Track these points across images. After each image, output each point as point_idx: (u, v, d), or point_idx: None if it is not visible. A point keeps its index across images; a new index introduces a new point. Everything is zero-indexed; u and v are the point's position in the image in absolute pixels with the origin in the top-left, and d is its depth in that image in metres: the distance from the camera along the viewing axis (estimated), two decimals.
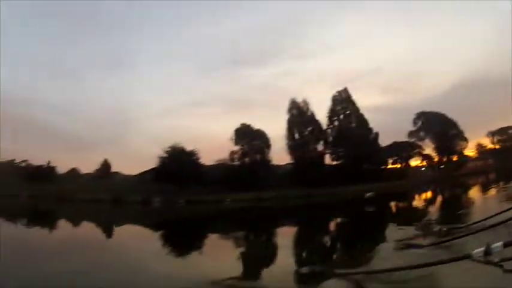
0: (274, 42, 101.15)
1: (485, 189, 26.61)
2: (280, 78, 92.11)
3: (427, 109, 58.03)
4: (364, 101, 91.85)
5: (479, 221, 6.56)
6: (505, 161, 52.76)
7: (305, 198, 35.15)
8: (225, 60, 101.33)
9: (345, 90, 53.86)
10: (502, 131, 63.86)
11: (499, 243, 3.09)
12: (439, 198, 27.56)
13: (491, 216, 6.45)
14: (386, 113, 72.67)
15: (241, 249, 11.30)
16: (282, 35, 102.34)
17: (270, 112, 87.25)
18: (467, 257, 3.34)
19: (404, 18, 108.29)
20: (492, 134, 63.94)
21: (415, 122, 58.29)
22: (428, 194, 31.76)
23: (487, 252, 3.10)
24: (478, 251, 3.19)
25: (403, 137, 57.02)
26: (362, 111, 53.40)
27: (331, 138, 51.61)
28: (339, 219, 18.77)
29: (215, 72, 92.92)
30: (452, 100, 76.30)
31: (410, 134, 58.00)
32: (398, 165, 56.88)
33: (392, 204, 25.30)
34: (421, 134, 58.29)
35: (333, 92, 54.16)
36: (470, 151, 62.98)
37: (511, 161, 49.75)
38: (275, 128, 66.16)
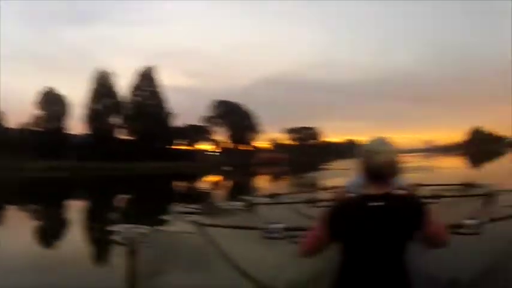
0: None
1: (276, 178, 28.53)
2: (95, 42, 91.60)
3: (230, 98, 62.80)
4: (172, 80, 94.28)
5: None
6: (298, 156, 60.17)
7: (100, 170, 35.34)
8: (42, 16, 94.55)
9: (152, 67, 53.26)
10: (297, 129, 72.49)
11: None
12: (229, 183, 28.04)
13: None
14: (190, 95, 74.32)
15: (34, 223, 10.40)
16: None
17: (77, 76, 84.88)
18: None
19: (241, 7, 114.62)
20: (288, 131, 72.20)
21: (214, 109, 61.64)
22: (220, 178, 32.30)
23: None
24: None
25: (201, 121, 59.86)
26: (167, 90, 54.30)
27: (129, 113, 50.78)
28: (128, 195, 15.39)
29: (29, 27, 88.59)
30: (254, 93, 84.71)
31: (208, 119, 61.27)
32: (192, 147, 59.24)
33: (183, 184, 25.59)
34: (218, 120, 61.95)
35: (140, 66, 53.40)
36: (265, 143, 69.04)
37: (303, 156, 58.96)
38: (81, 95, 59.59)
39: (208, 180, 30.03)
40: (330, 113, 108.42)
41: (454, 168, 25.44)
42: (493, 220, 3.00)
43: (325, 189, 7.05)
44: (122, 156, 41.70)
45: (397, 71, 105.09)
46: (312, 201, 5.11)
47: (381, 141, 1.57)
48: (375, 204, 1.45)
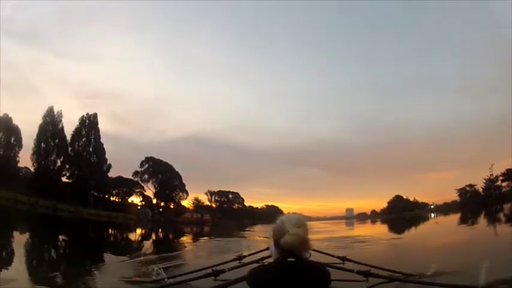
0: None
1: (197, 237, 28.46)
2: (32, 66, 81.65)
3: (155, 151, 65.35)
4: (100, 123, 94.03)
5: None
6: (221, 218, 63.83)
7: (39, 207, 36.50)
8: None
9: (95, 115, 55.66)
10: (220, 193, 76.41)
11: None
12: (154, 237, 29.29)
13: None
14: (117, 141, 74.81)
15: None
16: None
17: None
18: None
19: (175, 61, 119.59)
20: (211, 193, 75.73)
21: (142, 164, 63.09)
22: (146, 231, 33.46)
23: None
24: None
25: (128, 173, 60.47)
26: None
27: (71, 157, 51.68)
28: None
29: None
30: (178, 150, 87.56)
31: (136, 173, 62.25)
32: (123, 199, 60.33)
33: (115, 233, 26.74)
34: (146, 176, 63.52)
35: (81, 109, 59.43)
36: (188, 203, 70.85)
37: (226, 219, 61.94)
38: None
39: (137, 233, 30.29)
40: (251, 177, 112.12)
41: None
42: None
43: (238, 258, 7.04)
44: (60, 197, 42.64)
45: (317, 140, 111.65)
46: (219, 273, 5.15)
47: (293, 220, 1.77)
48: (288, 268, 1.69)
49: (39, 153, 48.94)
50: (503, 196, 64.29)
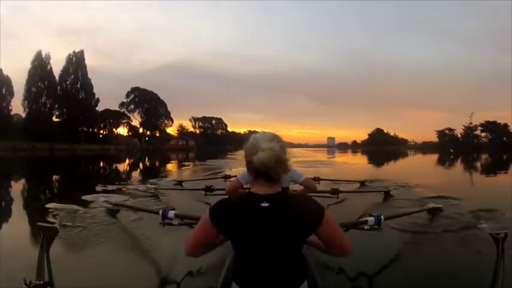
0: None
1: (182, 163, 29.52)
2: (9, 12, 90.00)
3: (138, 81, 66.04)
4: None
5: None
6: (204, 144, 67.33)
7: (34, 151, 37.60)
8: None
9: (81, 52, 56.00)
10: (204, 119, 77.51)
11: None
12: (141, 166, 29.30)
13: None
14: (101, 75, 75.16)
15: None
16: None
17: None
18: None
19: None
20: (195, 119, 76.92)
21: (127, 95, 65.82)
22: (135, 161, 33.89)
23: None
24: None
25: (114, 105, 63.33)
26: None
27: (60, 96, 53.26)
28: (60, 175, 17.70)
29: None
30: (161, 78, 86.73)
31: (122, 104, 65.36)
32: (108, 131, 62.30)
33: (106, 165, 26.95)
34: (132, 106, 66.01)
35: (67, 47, 61.01)
36: (172, 130, 72.04)
37: (209, 144, 62.95)
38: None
39: (126, 163, 30.55)
40: (233, 103, 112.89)
41: (355, 164, 24.78)
42: (389, 218, 3.50)
43: (225, 177, 8.02)
44: (54, 138, 44.91)
45: (303, 69, 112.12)
46: (210, 190, 5.84)
47: (267, 137, 1.48)
48: (262, 205, 1.39)
49: (30, 98, 50.72)
50: (481, 146, 67.15)
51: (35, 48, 76.01)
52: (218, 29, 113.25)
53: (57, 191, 11.05)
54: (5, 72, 49.49)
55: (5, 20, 79.86)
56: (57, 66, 54.68)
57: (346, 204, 5.62)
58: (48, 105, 52.19)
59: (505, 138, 67.22)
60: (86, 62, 56.25)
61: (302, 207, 1.45)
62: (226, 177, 8.02)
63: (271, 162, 1.38)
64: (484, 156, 39.44)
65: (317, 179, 6.73)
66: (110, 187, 8.10)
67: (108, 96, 61.33)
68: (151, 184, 7.79)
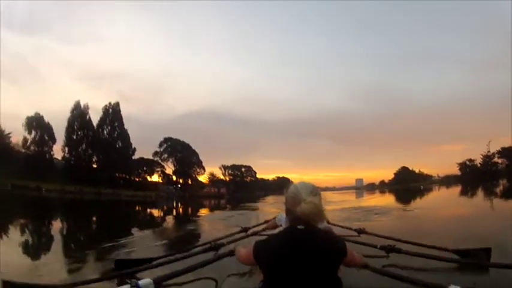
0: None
1: (215, 208, 29.96)
2: (35, 53, 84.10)
3: (166, 128, 73.63)
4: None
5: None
6: (235, 191, 68.16)
7: (78, 194, 39.56)
8: None
9: (117, 104, 59.84)
10: (234, 167, 78.93)
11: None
12: (178, 211, 30.54)
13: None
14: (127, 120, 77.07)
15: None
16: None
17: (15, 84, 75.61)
18: None
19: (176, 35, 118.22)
20: (225, 167, 78.47)
21: (161, 144, 68.37)
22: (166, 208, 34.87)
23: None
24: None
25: (141, 150, 64.07)
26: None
27: (99, 145, 56.23)
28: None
29: None
30: (188, 125, 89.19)
31: (156, 153, 67.80)
32: (143, 178, 64.71)
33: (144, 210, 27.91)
34: (165, 155, 68.61)
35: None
36: (204, 178, 74.11)
37: (239, 191, 63.97)
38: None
39: (163, 209, 31.91)
40: (260, 149, 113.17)
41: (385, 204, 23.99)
42: None
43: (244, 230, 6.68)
44: (98, 183, 47.51)
45: (326, 110, 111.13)
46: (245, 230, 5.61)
47: (307, 188, 1.70)
48: (298, 227, 1.61)
49: (70, 145, 53.96)
50: (499, 172, 67.35)
51: (58, 89, 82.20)
52: (242, 74, 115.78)
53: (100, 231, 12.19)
54: (22, 110, 54.78)
55: (30, 59, 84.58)
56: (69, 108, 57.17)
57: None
58: (88, 153, 55.48)
59: None
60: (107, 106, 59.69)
61: (329, 238, 1.77)
62: (245, 229, 6.03)
63: (312, 214, 1.61)
64: (503, 182, 41.01)
65: (361, 231, 5.68)
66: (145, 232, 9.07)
67: (135, 141, 63.06)
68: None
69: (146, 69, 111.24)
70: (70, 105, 55.59)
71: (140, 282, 2.55)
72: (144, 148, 64.83)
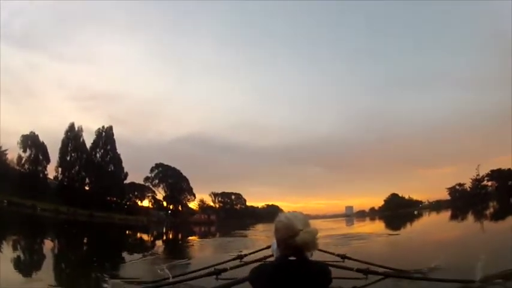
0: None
1: (205, 236, 31.31)
2: (29, 69, 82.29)
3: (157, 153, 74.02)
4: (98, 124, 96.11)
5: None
6: (225, 218, 68.36)
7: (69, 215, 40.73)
8: None
9: (110, 127, 60.62)
10: (223, 194, 79.10)
11: None
12: (168, 237, 32.21)
13: None
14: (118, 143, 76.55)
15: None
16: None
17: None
18: None
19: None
20: (214, 195, 78.66)
21: (152, 170, 68.32)
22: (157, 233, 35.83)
23: None
24: None
25: (137, 177, 64.86)
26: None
27: (91, 167, 56.58)
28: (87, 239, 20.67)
29: None
30: (178, 151, 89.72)
31: (147, 178, 67.77)
32: (134, 203, 64.38)
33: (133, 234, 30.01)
34: (156, 181, 68.64)
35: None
36: (194, 204, 74.32)
37: (229, 218, 64.83)
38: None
39: (153, 234, 33.08)
40: (251, 176, 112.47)
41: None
42: None
43: (239, 257, 6.86)
44: (86, 205, 48.01)
45: (317, 137, 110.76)
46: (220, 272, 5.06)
47: (299, 218, 1.78)
48: (290, 258, 1.68)
49: (63, 166, 54.17)
50: (489, 195, 68.89)
51: (51, 108, 78.17)
52: (231, 100, 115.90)
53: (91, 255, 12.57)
54: (15, 127, 54.13)
55: (25, 76, 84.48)
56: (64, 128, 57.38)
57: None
58: (81, 175, 55.72)
59: (510, 183, 68.58)
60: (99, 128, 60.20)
61: (320, 268, 1.86)
62: (240, 257, 6.72)
63: (311, 243, 1.71)
64: (492, 204, 42.93)
65: (344, 257, 6.21)
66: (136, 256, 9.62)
67: (125, 164, 63.37)
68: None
69: (138, 92, 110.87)
70: (62, 124, 56.24)
71: None
72: (133, 171, 64.15)
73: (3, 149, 49.99)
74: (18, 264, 8.45)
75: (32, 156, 52.52)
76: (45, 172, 53.48)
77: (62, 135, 54.54)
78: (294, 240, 1.69)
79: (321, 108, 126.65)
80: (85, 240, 18.14)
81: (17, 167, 51.30)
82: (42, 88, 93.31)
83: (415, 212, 61.61)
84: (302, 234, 1.69)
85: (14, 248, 11.55)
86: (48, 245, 14.06)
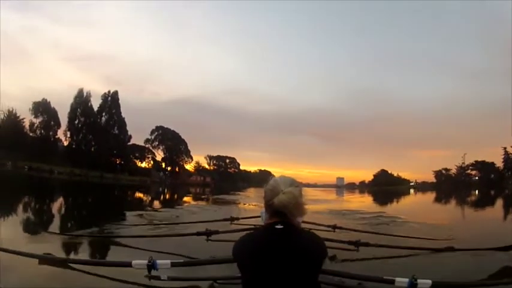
0: None
1: (199, 197, 30.50)
2: (25, 32, 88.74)
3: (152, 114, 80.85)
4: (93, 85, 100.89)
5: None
6: (219, 181, 72.27)
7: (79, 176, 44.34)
8: None
9: (116, 92, 63.20)
10: (218, 157, 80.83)
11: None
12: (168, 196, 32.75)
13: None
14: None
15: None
16: None
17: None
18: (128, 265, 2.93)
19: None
20: (210, 158, 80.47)
21: (152, 132, 72.32)
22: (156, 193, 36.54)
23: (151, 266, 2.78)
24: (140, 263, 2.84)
25: (136, 137, 67.74)
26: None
27: (97, 131, 59.74)
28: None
29: None
30: (173, 112, 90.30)
31: (147, 140, 71.81)
32: (134, 164, 68.03)
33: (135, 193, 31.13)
34: (156, 143, 72.53)
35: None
36: (190, 166, 77.39)
37: (223, 181, 68.21)
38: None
39: (153, 192, 35.28)
40: (244, 141, 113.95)
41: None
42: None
43: (230, 219, 7.19)
44: (94, 167, 52.12)
45: (312, 108, 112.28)
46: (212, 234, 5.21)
47: (287, 181, 1.62)
48: (276, 227, 1.52)
49: (72, 130, 58.38)
50: (472, 183, 72.55)
51: (46, 69, 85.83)
52: (228, 66, 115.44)
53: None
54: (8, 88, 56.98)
55: (19, 38, 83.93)
56: (70, 92, 61.47)
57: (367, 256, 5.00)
58: (88, 138, 59.05)
59: (492, 176, 72.84)
60: (95, 88, 66.44)
61: (312, 237, 1.66)
62: (232, 219, 7.14)
63: (290, 204, 1.52)
64: (474, 193, 44.85)
65: (335, 227, 6.43)
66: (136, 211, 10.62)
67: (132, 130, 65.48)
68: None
69: (134, 54, 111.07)
70: (60, 85, 60.17)
71: (158, 262, 2.74)
72: (130, 132, 66.27)
73: (21, 117, 54.63)
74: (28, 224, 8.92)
75: (45, 122, 56.36)
76: (56, 136, 58.02)
77: (62, 97, 56.46)
78: (273, 202, 1.56)
79: (316, 79, 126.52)
80: (94, 200, 19.99)
81: (30, 133, 55.44)
82: (36, 50, 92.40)
83: (411, 191, 65.26)
84: (281, 195, 1.54)
85: (31, 210, 12.53)
86: (61, 204, 15.92)
